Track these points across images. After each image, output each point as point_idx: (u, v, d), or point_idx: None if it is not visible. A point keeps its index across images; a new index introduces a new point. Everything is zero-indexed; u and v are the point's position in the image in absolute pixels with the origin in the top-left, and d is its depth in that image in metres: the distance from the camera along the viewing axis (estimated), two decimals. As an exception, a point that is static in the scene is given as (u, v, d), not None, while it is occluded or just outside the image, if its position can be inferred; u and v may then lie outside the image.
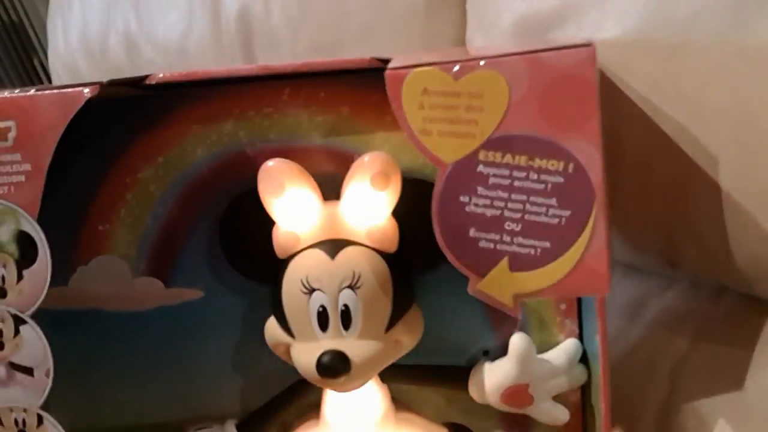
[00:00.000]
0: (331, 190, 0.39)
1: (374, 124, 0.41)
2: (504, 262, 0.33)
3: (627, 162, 0.39)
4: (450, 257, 0.34)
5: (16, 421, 0.39)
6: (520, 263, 0.33)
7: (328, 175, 0.41)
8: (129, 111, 0.43)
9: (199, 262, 0.45)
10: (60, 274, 0.43)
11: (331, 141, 0.42)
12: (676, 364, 0.44)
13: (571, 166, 0.32)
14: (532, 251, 0.33)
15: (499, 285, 0.33)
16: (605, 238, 0.32)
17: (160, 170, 0.44)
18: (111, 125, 0.43)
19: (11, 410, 0.39)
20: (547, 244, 0.33)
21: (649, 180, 0.40)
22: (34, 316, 0.38)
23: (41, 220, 0.38)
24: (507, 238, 0.33)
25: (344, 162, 0.40)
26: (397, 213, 0.39)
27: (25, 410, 0.39)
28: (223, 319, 0.46)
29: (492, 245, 0.33)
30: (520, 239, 0.33)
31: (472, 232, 0.33)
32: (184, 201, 0.44)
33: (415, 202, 0.38)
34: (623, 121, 0.38)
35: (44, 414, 0.38)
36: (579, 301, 0.42)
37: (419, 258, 0.40)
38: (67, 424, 0.40)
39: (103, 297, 0.45)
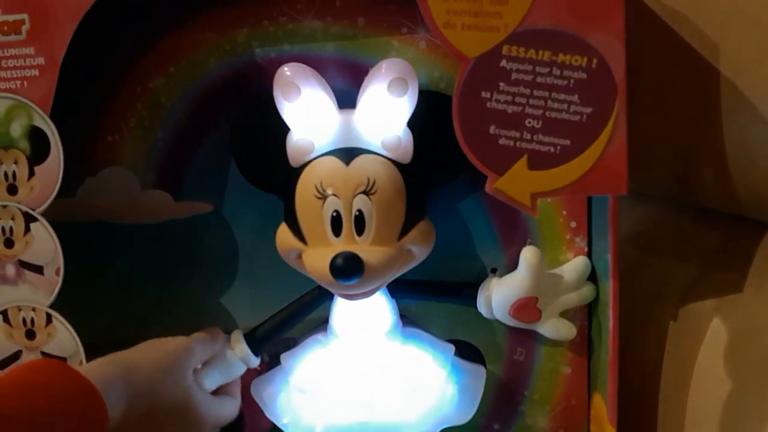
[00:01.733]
0: (344, 101, 0.39)
1: (390, 36, 0.41)
2: (523, 160, 0.33)
3: (645, 74, 0.39)
4: (469, 154, 0.34)
5: (24, 321, 0.38)
6: (539, 161, 0.33)
7: (342, 87, 0.40)
8: (143, 17, 0.42)
9: (210, 175, 0.45)
10: (67, 186, 0.43)
11: (345, 52, 0.42)
12: (683, 293, 0.45)
13: (594, 61, 0.32)
14: (552, 149, 0.33)
15: (518, 183, 0.33)
16: (625, 136, 0.32)
17: (171, 80, 0.43)
18: (124, 30, 0.42)
19: (19, 309, 0.38)
20: (568, 142, 0.33)
21: (668, 94, 0.40)
22: (45, 214, 0.38)
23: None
24: (527, 136, 0.33)
25: (358, 74, 0.39)
26: (412, 125, 0.39)
27: (33, 309, 0.38)
28: (233, 233, 0.45)
29: (512, 143, 0.33)
30: (540, 137, 0.33)
31: (492, 129, 0.33)
32: (195, 112, 0.44)
33: (430, 115, 0.38)
34: (644, 30, 0.37)
35: (53, 313, 0.38)
36: (589, 220, 0.42)
37: (433, 171, 0.40)
38: (74, 325, 0.40)
39: (111, 209, 0.45)
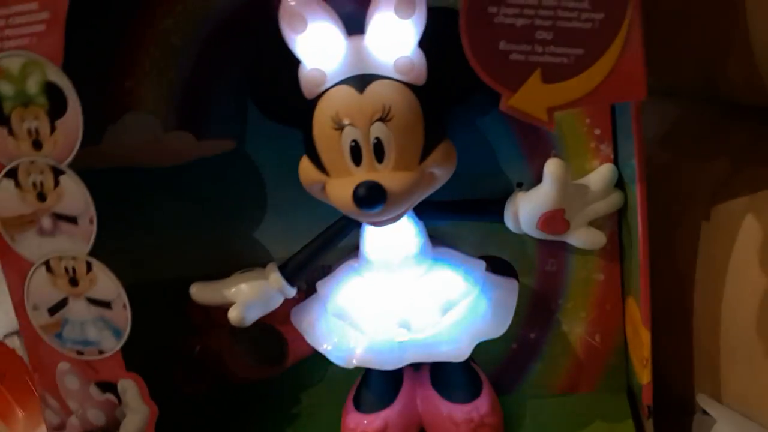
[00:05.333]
0: (353, 27, 0.38)
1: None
2: (536, 74, 0.32)
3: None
4: (480, 73, 0.33)
5: (66, 270, 0.40)
6: (553, 73, 0.32)
7: (349, 12, 0.39)
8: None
9: (230, 111, 0.45)
10: (91, 134, 0.43)
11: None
12: (715, 191, 0.44)
13: (603, -37, 0.30)
14: (565, 60, 0.32)
15: (532, 98, 0.33)
16: (641, 39, 0.31)
17: (180, 19, 0.43)
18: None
19: (60, 259, 0.40)
20: (581, 51, 0.32)
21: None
22: (71, 166, 0.38)
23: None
24: (539, 49, 0.32)
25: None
26: (424, 44, 0.38)
27: (74, 258, 0.40)
28: (259, 168, 0.46)
29: (523, 57, 0.32)
30: (552, 48, 0.32)
31: (502, 45, 0.32)
32: (207, 50, 0.43)
33: (441, 33, 0.37)
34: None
35: (93, 260, 0.39)
36: (614, 125, 0.41)
37: (449, 90, 0.39)
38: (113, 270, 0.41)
39: (137, 154, 0.45)
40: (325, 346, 0.42)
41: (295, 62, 0.39)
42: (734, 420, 0.41)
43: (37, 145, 0.38)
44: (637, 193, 0.38)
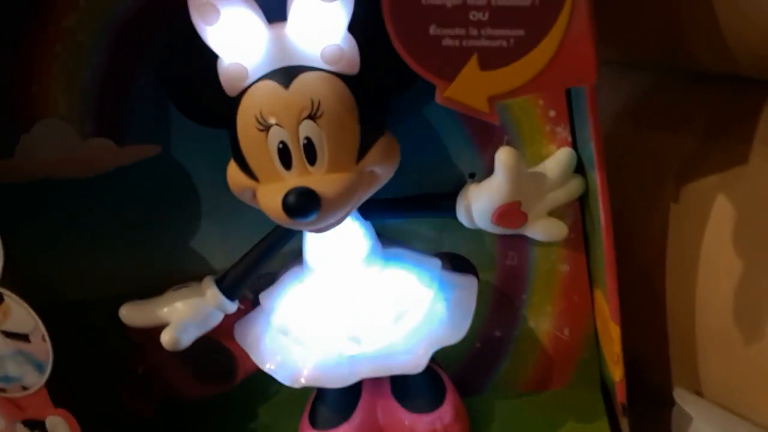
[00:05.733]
0: (275, 12, 0.34)
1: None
2: (473, 61, 0.29)
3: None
4: (410, 63, 0.29)
5: (-26, 303, 0.36)
6: (491, 59, 0.28)
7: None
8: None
9: (151, 113, 0.41)
10: (3, 145, 0.39)
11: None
12: (682, 166, 0.40)
13: (539, -71, 0.26)
14: (504, 43, 0.28)
15: (471, 88, 0.29)
16: (587, 13, 0.27)
17: (84, 15, 0.39)
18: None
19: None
20: (521, 32, 0.28)
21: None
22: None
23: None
24: (474, 32, 0.28)
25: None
26: (353, 29, 0.34)
27: (-19, 290, 0.36)
28: (188, 173, 0.42)
29: (457, 42, 0.28)
30: (488, 30, 0.28)
31: (432, 30, 0.28)
32: (118, 46, 0.39)
33: (373, 15, 0.33)
34: None
35: (4, 291, 0.36)
36: (570, 106, 0.38)
37: (387, 78, 0.35)
38: (34, 300, 0.37)
39: (53, 164, 0.41)
40: (268, 366, 0.39)
41: (213, 57, 0.35)
42: (713, 415, 0.38)
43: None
44: (597, 178, 0.35)
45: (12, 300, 0.36)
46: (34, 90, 0.40)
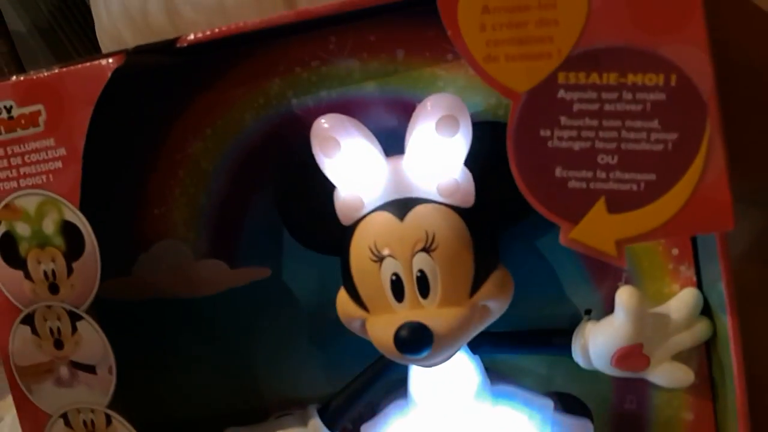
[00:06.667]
0: (393, 146, 0.35)
1: (434, 66, 0.37)
2: (600, 203, 0.28)
3: (737, 77, 0.33)
4: (534, 204, 0.29)
5: (84, 423, 0.36)
6: (620, 202, 0.28)
7: (389, 130, 0.36)
8: (168, 81, 0.39)
9: (263, 237, 0.41)
10: (121, 264, 0.41)
11: (388, 90, 0.37)
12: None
13: (673, 78, 0.26)
14: (635, 186, 0.27)
15: (597, 231, 0.28)
16: (725, 159, 0.26)
17: (209, 143, 0.40)
18: (151, 98, 0.40)
19: (79, 411, 0.36)
20: (653, 176, 0.27)
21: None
22: (89, 311, 0.35)
23: (93, 211, 0.35)
24: (602, 174, 0.27)
25: (405, 112, 0.35)
26: (471, 162, 0.34)
27: (92, 410, 0.36)
28: (296, 296, 0.42)
29: (584, 184, 0.28)
30: (617, 174, 0.27)
31: (558, 172, 0.28)
32: (238, 174, 0.41)
33: (490, 148, 0.33)
34: (734, 24, 0.31)
35: (112, 413, 0.36)
36: (694, 244, 0.36)
37: (501, 211, 0.35)
38: (137, 420, 0.37)
39: (167, 284, 0.42)
40: (369, 503, 0.37)
41: (330, 187, 0.35)
42: None
43: (54, 288, 0.35)
44: (728, 323, 0.32)
45: (119, 423, 0.36)
46: (156, 212, 0.42)
